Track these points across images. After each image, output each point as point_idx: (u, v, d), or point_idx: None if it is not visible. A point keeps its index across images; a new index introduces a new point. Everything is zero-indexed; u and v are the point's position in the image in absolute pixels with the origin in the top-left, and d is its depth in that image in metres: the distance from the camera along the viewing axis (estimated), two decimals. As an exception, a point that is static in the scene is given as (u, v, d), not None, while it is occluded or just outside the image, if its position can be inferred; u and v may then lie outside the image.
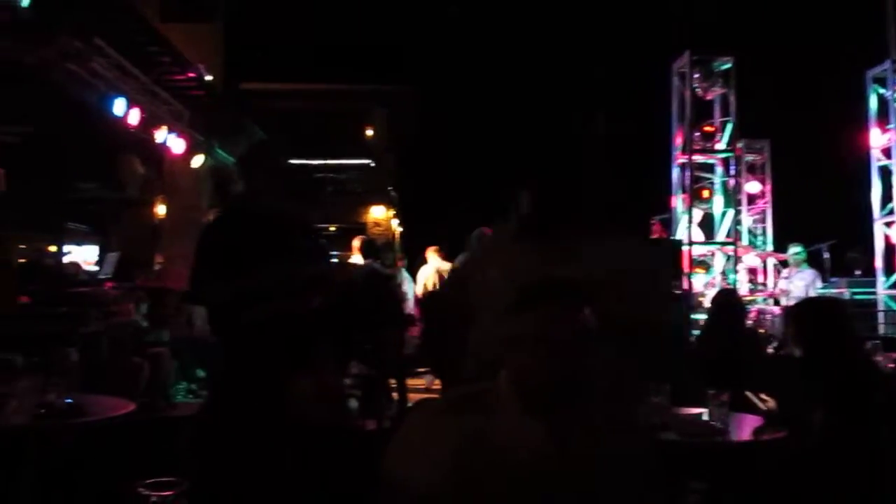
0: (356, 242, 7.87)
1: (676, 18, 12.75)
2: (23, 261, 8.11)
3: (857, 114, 9.40)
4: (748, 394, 3.31)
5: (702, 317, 8.65)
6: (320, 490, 1.62)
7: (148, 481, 1.26)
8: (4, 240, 4.81)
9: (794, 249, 9.44)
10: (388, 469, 1.60)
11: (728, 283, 8.63)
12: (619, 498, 1.60)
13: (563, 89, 15.88)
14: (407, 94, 17.21)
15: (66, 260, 9.67)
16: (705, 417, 3.13)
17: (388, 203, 18.63)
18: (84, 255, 10.48)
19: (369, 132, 18.72)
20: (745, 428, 3.21)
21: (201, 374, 8.26)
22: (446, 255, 9.36)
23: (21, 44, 6.74)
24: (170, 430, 2.06)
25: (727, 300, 4.89)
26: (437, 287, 9.11)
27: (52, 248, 10.99)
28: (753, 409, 3.30)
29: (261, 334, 1.74)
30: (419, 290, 9.62)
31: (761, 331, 8.52)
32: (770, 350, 6.78)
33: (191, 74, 9.69)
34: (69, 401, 3.17)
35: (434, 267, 9.55)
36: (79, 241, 10.88)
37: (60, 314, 5.48)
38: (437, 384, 7.86)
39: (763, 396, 3.24)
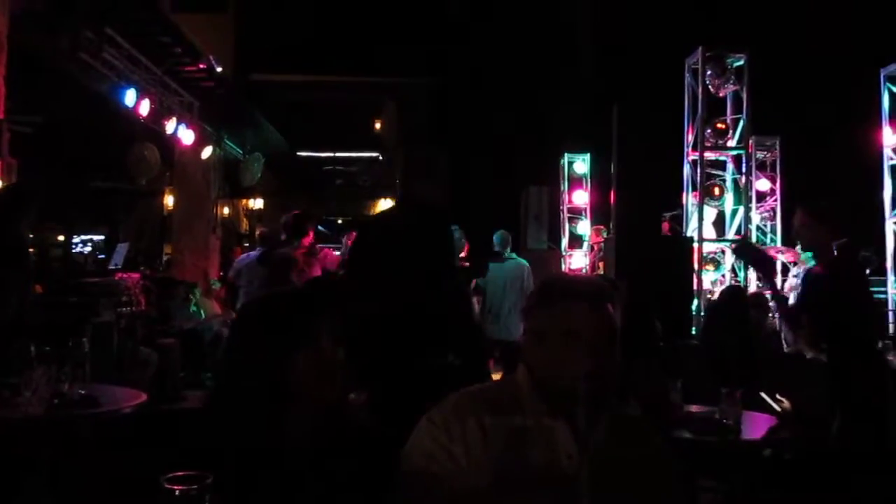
0: None
1: (690, 14, 12.69)
2: (33, 250, 8.14)
3: (870, 112, 9.33)
4: (763, 394, 3.30)
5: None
6: (330, 475, 1.62)
7: (171, 475, 1.25)
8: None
9: (802, 246, 9.40)
10: (408, 463, 1.59)
11: (737, 280, 8.60)
12: (642, 500, 1.59)
13: (575, 84, 15.81)
14: (418, 87, 17.16)
15: (75, 250, 9.70)
16: (718, 416, 3.11)
17: (396, 197, 18.59)
18: (92, 246, 10.52)
19: (379, 125, 18.69)
20: (758, 427, 3.20)
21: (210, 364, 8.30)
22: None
23: (34, 33, 6.75)
24: (181, 420, 2.05)
25: (731, 297, 4.86)
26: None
27: (61, 238, 11.04)
28: (767, 409, 3.28)
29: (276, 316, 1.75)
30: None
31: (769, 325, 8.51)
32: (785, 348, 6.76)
33: (202, 65, 9.68)
34: (82, 391, 3.18)
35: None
36: (88, 232, 10.92)
37: (72, 304, 5.49)
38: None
39: (779, 397, 3.22)
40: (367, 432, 1.75)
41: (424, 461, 1.57)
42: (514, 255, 8.13)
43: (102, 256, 9.64)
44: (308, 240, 6.70)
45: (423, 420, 1.63)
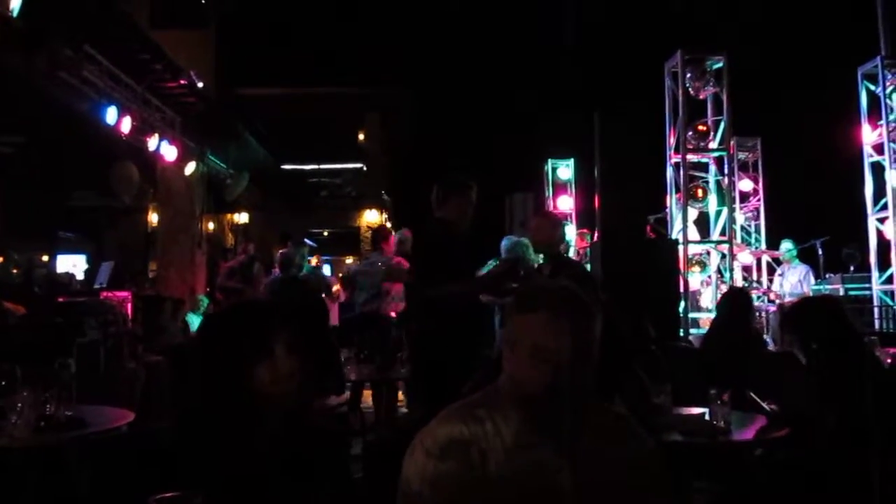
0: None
1: (669, 17, 12.77)
2: (16, 271, 8.07)
3: (849, 110, 9.42)
4: (751, 395, 3.30)
5: (698, 315, 8.67)
6: (297, 479, 1.64)
7: (160, 496, 1.24)
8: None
9: (786, 245, 9.47)
10: (406, 488, 1.59)
11: (724, 282, 8.64)
12: (631, 500, 1.58)
13: (557, 90, 15.88)
14: (400, 98, 17.19)
15: (59, 269, 9.61)
16: (707, 417, 3.12)
17: (382, 207, 18.61)
18: (75, 264, 10.43)
19: (362, 136, 18.70)
20: (748, 427, 3.21)
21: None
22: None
23: (11, 53, 6.70)
24: (169, 439, 2.03)
25: (741, 299, 4.84)
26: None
27: (45, 258, 10.93)
28: (756, 409, 3.29)
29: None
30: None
31: (756, 326, 8.54)
32: (772, 348, 6.79)
33: (183, 81, 9.66)
34: (69, 413, 3.14)
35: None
36: (71, 251, 10.83)
37: (57, 324, 5.44)
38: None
39: (771, 405, 3.23)
40: (333, 437, 1.78)
41: (420, 485, 1.56)
42: None
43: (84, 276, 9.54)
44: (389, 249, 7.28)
45: (416, 445, 1.62)
